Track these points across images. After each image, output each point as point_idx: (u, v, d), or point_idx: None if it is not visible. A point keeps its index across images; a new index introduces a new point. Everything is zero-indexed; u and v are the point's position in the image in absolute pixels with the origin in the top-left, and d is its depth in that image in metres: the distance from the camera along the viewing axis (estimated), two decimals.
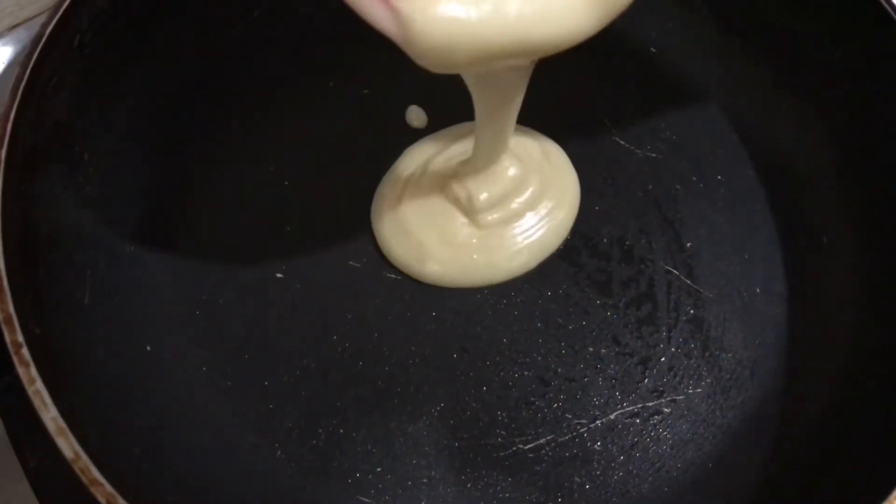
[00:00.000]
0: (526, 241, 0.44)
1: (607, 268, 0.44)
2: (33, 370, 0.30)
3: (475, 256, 0.44)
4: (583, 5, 0.30)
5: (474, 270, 0.44)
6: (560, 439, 0.40)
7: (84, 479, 0.29)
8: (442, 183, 0.45)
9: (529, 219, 0.44)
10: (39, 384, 0.30)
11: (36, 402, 0.30)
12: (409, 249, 0.44)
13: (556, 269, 0.44)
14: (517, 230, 0.44)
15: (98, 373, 0.36)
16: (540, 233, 0.44)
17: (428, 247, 0.44)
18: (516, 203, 0.44)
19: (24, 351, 0.30)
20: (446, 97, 0.41)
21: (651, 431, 0.40)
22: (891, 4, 0.41)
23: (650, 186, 0.46)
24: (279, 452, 0.39)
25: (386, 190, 0.46)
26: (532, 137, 0.47)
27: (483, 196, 0.44)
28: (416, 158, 0.47)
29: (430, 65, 0.30)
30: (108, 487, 0.29)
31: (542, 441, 0.39)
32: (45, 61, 0.36)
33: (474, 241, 0.44)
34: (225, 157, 0.46)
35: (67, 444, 0.29)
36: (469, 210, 0.44)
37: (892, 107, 0.42)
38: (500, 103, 0.39)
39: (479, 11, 0.29)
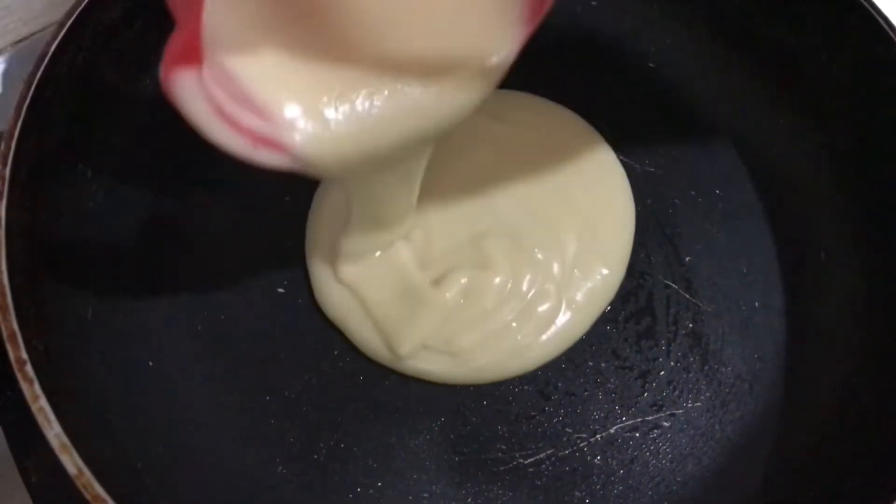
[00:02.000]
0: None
1: None
2: (37, 387, 0.30)
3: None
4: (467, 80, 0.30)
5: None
6: (560, 453, 0.40)
7: (87, 496, 0.29)
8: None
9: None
10: (43, 401, 0.30)
11: (39, 418, 0.30)
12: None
13: None
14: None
15: (101, 388, 0.36)
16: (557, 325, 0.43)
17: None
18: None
19: (28, 368, 0.30)
20: None
21: (650, 445, 0.40)
22: (886, 20, 0.42)
23: (648, 201, 0.46)
24: (280, 467, 0.39)
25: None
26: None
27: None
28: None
29: (335, 176, 0.31)
30: (112, 503, 0.29)
31: (542, 455, 0.40)
32: (49, 79, 0.37)
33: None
34: (227, 173, 0.46)
35: (71, 461, 0.30)
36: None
37: (889, 122, 0.42)
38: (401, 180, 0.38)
39: (363, 118, 0.29)
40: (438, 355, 0.41)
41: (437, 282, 0.42)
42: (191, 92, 0.28)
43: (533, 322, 0.42)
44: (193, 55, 0.27)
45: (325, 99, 0.29)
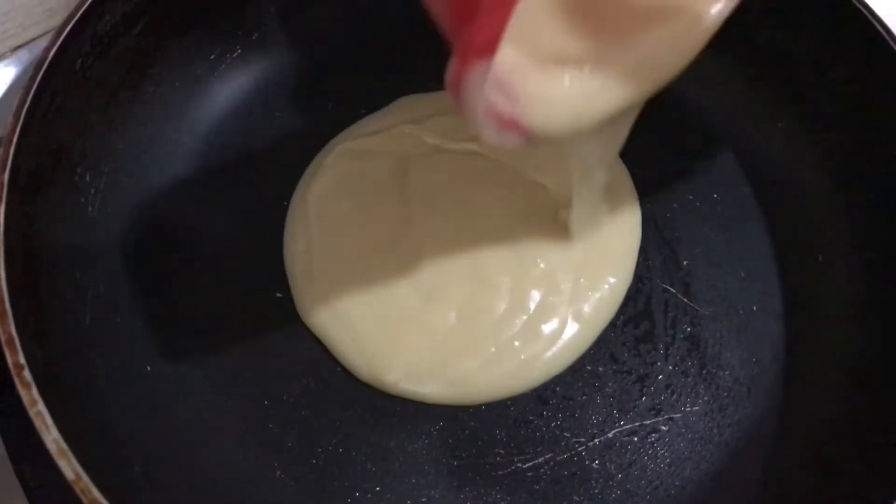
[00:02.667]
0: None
1: None
2: (35, 392, 0.30)
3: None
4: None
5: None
6: (558, 458, 0.40)
7: (85, 500, 0.29)
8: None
9: None
10: (41, 406, 0.30)
11: (37, 423, 0.30)
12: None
13: None
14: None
15: (99, 393, 0.36)
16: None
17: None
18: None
19: (26, 373, 0.30)
20: None
21: (649, 449, 0.40)
22: (883, 26, 0.42)
23: (647, 205, 0.46)
24: (279, 472, 0.39)
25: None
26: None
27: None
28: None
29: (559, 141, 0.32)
30: None
31: (540, 460, 0.40)
32: (48, 85, 0.37)
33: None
34: (225, 178, 0.46)
35: (68, 466, 0.30)
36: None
37: (886, 126, 0.43)
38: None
39: (594, 88, 0.30)
40: (432, 380, 0.40)
41: (429, 300, 0.41)
42: (477, 85, 0.28)
43: (538, 339, 0.41)
44: (490, 49, 0.27)
45: (561, 76, 0.30)
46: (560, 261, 0.43)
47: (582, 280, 0.43)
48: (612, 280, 0.43)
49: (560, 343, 0.41)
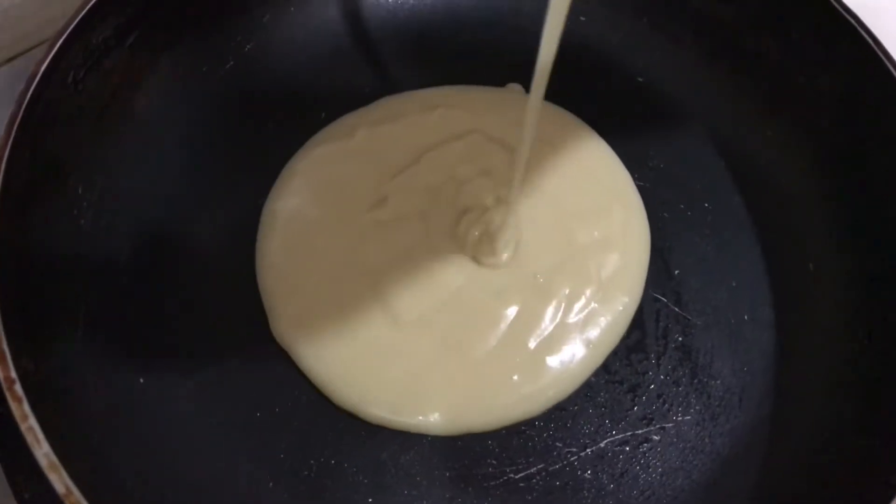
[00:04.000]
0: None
1: None
2: (26, 406, 0.30)
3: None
4: None
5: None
6: (550, 468, 0.40)
7: None
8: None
9: None
10: (32, 420, 0.30)
11: (28, 438, 0.30)
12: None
13: None
14: None
15: (90, 406, 0.36)
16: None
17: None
18: None
19: (17, 387, 0.30)
20: None
21: (641, 459, 0.40)
22: (872, 36, 0.42)
23: None
24: (271, 483, 0.39)
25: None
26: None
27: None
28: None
29: None
30: None
31: (532, 470, 0.40)
32: (40, 97, 0.37)
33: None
34: (218, 191, 0.46)
35: (59, 479, 0.30)
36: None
37: (877, 134, 0.43)
38: None
39: None
40: (418, 414, 0.39)
41: (409, 326, 0.40)
42: None
43: (540, 374, 0.40)
44: None
45: None
46: (571, 284, 0.42)
47: (595, 305, 0.42)
48: (625, 300, 0.42)
49: (566, 374, 0.40)
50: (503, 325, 0.40)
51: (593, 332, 0.41)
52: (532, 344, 0.40)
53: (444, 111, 0.47)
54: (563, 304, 0.41)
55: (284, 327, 0.41)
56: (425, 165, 0.45)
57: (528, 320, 0.41)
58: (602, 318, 0.41)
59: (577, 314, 0.41)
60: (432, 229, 0.43)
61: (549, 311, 0.41)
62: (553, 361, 0.40)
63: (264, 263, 0.43)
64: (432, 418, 0.39)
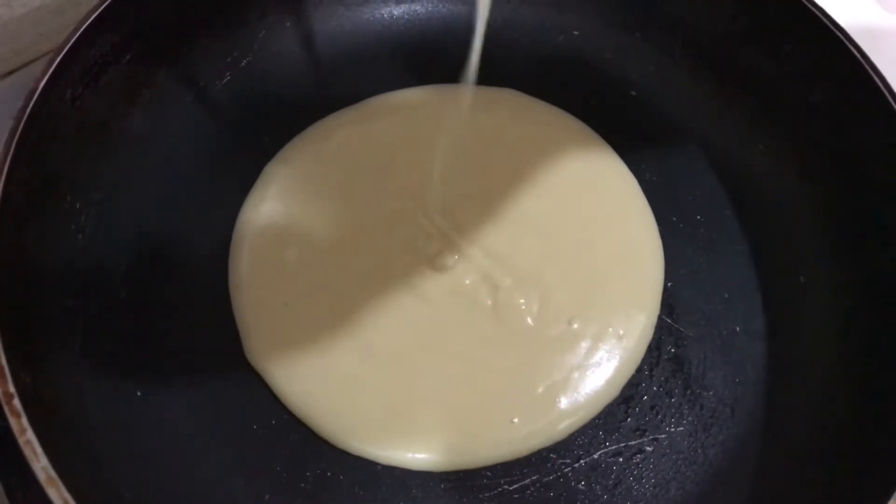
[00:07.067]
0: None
1: None
2: (24, 420, 0.30)
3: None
4: None
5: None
6: (544, 479, 0.40)
7: None
8: None
9: None
10: (30, 434, 0.30)
11: (27, 452, 0.30)
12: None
13: None
14: None
15: (88, 419, 0.36)
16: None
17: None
18: None
19: (16, 402, 0.31)
20: None
21: (634, 470, 0.40)
22: (860, 52, 0.43)
23: None
24: (267, 496, 0.39)
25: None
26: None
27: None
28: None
29: None
30: None
31: (527, 481, 0.40)
32: (38, 114, 0.37)
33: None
34: (216, 205, 0.46)
35: (57, 494, 0.30)
36: None
37: (868, 147, 0.43)
38: None
39: None
40: (407, 452, 0.38)
41: (392, 357, 0.39)
42: None
43: (544, 414, 0.39)
44: None
45: None
46: (584, 305, 0.42)
47: (611, 330, 0.41)
48: (641, 318, 0.42)
49: (574, 411, 0.39)
50: (501, 358, 0.40)
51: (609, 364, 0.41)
52: (540, 389, 0.39)
53: (420, 111, 0.47)
54: (583, 343, 0.41)
55: (255, 349, 0.40)
56: (400, 167, 0.45)
57: (527, 361, 0.40)
58: (621, 343, 0.41)
59: (586, 355, 0.41)
60: (404, 241, 0.42)
61: (560, 353, 0.40)
62: (560, 403, 0.39)
63: (233, 281, 0.42)
64: (421, 456, 0.38)
